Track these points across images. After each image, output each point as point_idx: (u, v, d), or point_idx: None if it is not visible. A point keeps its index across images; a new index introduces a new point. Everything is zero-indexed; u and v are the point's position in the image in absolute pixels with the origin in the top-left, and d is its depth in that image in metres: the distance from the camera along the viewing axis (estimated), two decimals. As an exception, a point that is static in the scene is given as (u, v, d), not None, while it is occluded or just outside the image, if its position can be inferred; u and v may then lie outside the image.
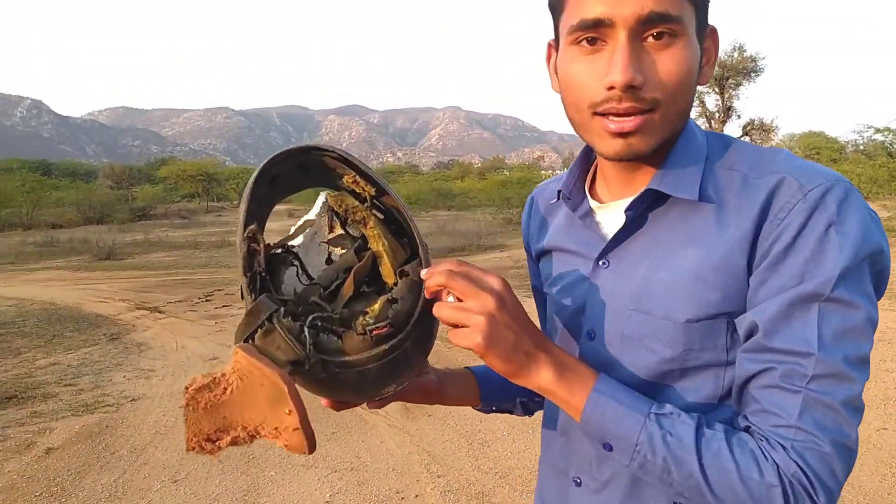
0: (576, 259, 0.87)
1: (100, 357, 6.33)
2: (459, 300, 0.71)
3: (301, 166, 0.84)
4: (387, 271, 0.84)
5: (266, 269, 0.77)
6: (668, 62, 0.69)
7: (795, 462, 0.64)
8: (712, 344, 0.73)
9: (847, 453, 0.66)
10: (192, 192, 44.73)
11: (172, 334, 7.35)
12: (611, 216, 0.84)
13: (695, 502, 0.70)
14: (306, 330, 0.71)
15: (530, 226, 1.03)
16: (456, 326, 0.71)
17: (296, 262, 0.87)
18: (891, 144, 14.80)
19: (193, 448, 0.68)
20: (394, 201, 0.84)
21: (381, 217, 0.87)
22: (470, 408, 1.08)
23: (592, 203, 0.87)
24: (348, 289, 0.82)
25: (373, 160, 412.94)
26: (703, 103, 25.96)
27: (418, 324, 0.77)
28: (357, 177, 0.84)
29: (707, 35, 0.76)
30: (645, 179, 0.80)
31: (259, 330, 0.69)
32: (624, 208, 0.79)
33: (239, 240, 0.75)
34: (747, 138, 26.19)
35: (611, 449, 0.72)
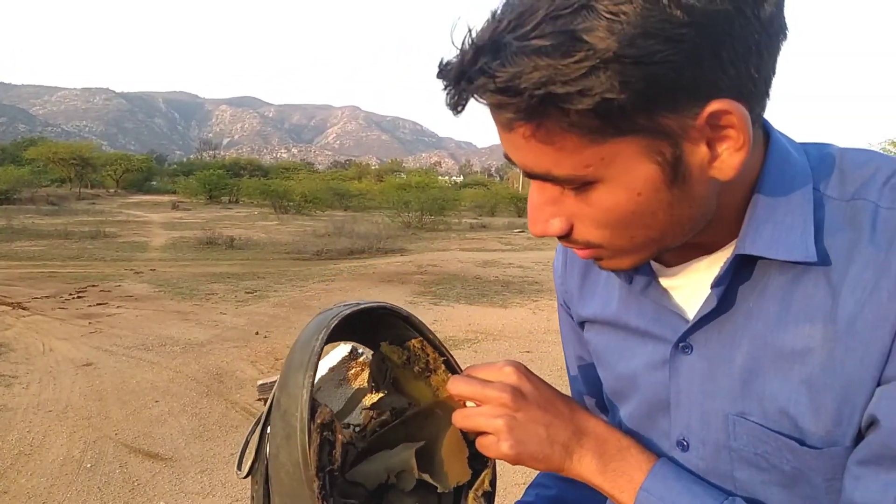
0: (643, 340, 0.67)
1: (-52, 360, 5.49)
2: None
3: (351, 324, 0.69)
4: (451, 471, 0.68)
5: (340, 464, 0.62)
6: (590, 209, 0.53)
7: None
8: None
9: None
10: (64, 176, 41.26)
11: (38, 335, 6.54)
12: (682, 282, 0.63)
13: None
14: None
15: (567, 281, 0.81)
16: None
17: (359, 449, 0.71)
18: None
19: None
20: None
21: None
22: None
23: (654, 266, 0.66)
24: None
25: (266, 155, 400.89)
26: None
27: None
28: (425, 343, 0.71)
29: (702, 126, 0.48)
30: (726, 230, 0.59)
31: None
32: (698, 272, 0.61)
33: (299, 424, 0.57)
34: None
35: None
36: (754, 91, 0.49)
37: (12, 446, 3.81)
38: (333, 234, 18.27)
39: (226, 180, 37.39)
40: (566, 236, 0.56)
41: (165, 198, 37.80)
